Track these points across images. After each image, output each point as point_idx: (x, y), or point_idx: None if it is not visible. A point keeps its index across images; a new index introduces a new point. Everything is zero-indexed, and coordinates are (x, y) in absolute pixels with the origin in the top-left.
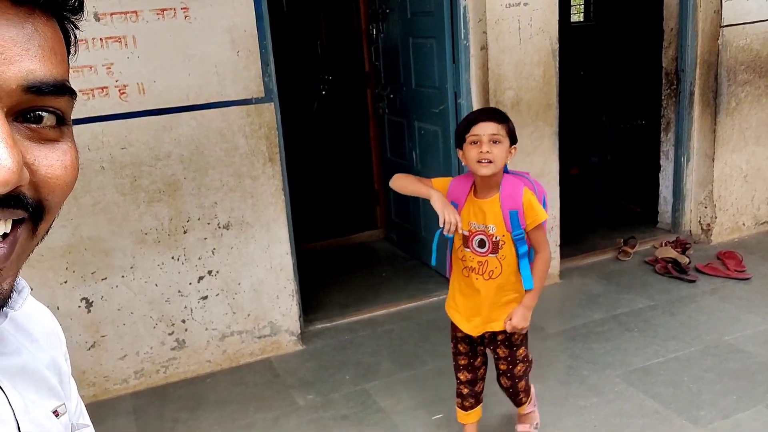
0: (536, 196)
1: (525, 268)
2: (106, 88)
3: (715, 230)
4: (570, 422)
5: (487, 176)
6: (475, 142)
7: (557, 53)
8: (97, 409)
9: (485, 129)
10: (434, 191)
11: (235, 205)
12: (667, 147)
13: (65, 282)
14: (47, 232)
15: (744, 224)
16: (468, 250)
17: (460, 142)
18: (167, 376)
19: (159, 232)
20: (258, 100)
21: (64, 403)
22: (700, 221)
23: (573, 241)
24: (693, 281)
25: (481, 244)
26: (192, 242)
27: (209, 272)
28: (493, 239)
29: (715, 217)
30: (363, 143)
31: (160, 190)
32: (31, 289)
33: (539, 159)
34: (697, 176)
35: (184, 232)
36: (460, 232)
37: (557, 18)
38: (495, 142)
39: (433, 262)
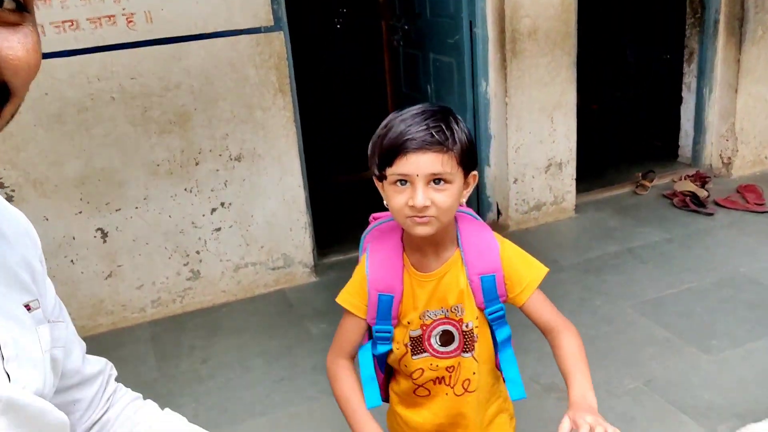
0: None
1: (509, 363)
2: (113, 16)
3: (736, 163)
4: None
5: (427, 236)
6: (402, 183)
7: None
8: (116, 336)
9: (421, 165)
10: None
11: (247, 136)
12: (689, 78)
13: (80, 212)
14: (13, 116)
15: (766, 157)
16: (423, 355)
17: (376, 172)
18: (183, 305)
19: (171, 163)
20: (267, 29)
21: (37, 299)
22: (721, 154)
23: (589, 175)
24: (711, 214)
25: (447, 339)
26: (204, 174)
27: (222, 204)
28: (464, 327)
29: (737, 150)
30: (378, 77)
31: (171, 121)
32: (7, 198)
33: (556, 90)
34: (720, 108)
35: (196, 164)
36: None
37: None
38: (439, 182)
39: (369, 405)
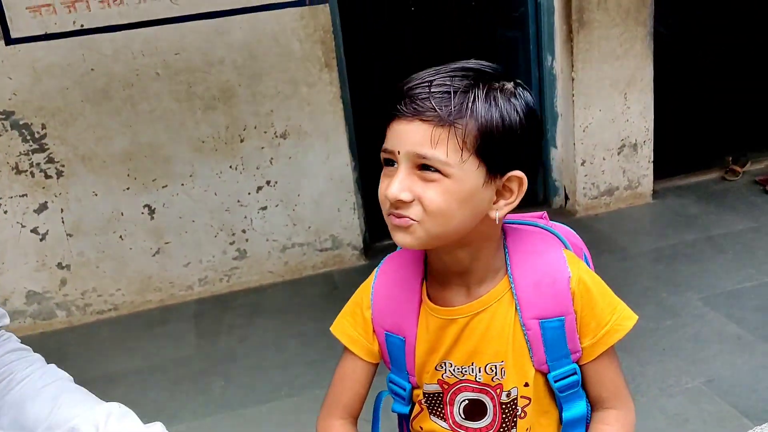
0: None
1: None
2: None
3: None
4: (634, 344)
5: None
6: (388, 162)
7: None
8: (162, 314)
9: (404, 138)
10: None
11: (292, 113)
12: None
13: (128, 188)
14: None
15: None
16: (441, 423)
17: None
18: (230, 284)
19: (216, 140)
20: (313, 2)
21: None
22: None
23: (672, 159)
24: None
25: (475, 410)
26: (249, 151)
27: (267, 182)
28: (502, 398)
29: None
30: (444, 55)
31: (215, 97)
32: None
33: (629, 64)
34: None
35: (241, 141)
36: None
37: None
38: (428, 170)
39: None
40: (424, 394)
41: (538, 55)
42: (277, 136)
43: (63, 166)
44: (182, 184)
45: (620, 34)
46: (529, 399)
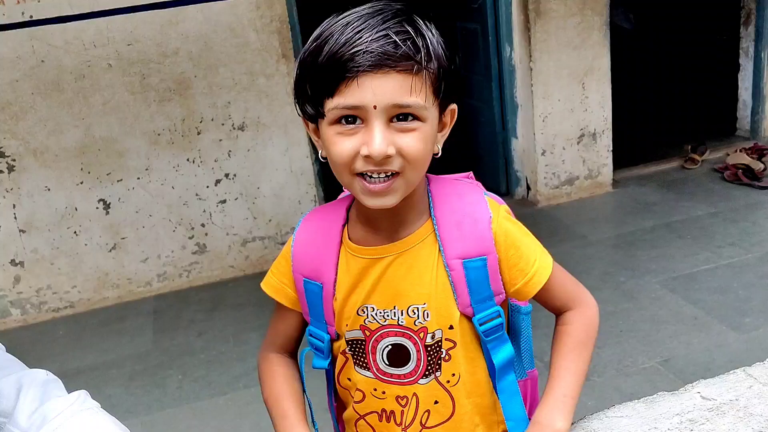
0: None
1: (510, 398)
2: None
3: None
4: None
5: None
6: (348, 121)
7: None
8: (119, 311)
9: (380, 92)
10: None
11: (250, 105)
12: (746, 43)
13: (81, 183)
14: None
15: None
16: (367, 373)
17: (307, 108)
18: (190, 280)
19: (172, 132)
20: None
21: None
22: None
23: (633, 149)
24: (765, 188)
25: (399, 355)
26: (207, 144)
27: (226, 175)
28: (427, 340)
29: None
30: None
31: (170, 89)
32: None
33: (587, 53)
34: None
35: (198, 133)
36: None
37: None
38: (407, 118)
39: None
40: (346, 342)
41: (497, 46)
42: (235, 128)
43: (14, 160)
44: (138, 178)
45: (577, 24)
46: (454, 342)
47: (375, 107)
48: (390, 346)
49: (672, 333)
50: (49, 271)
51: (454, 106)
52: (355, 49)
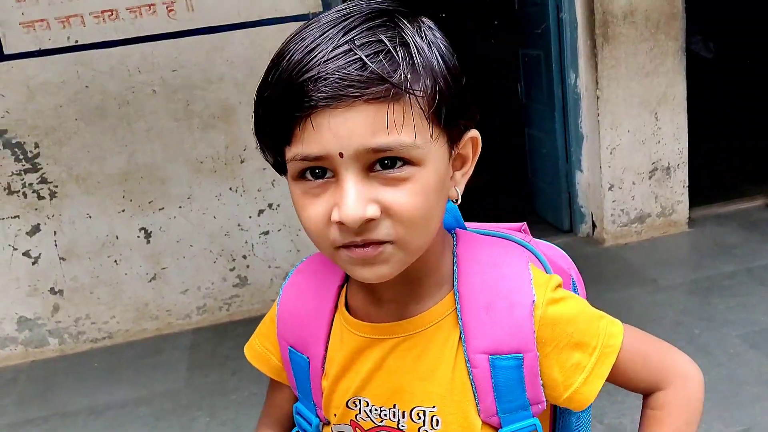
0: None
1: None
2: (153, 5)
3: None
4: None
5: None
6: (315, 175)
7: None
8: (156, 343)
9: (344, 133)
10: None
11: None
12: None
13: (123, 210)
14: None
15: None
16: None
17: (268, 158)
18: (230, 313)
19: (215, 160)
20: (316, 15)
21: None
22: None
23: (712, 185)
24: None
25: None
26: (250, 173)
27: (269, 206)
28: None
29: None
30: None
31: (214, 116)
32: None
33: (660, 81)
34: None
35: (241, 162)
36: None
37: None
38: (393, 164)
39: None
40: None
41: (561, 73)
42: None
43: (56, 186)
44: (180, 207)
45: (650, 49)
46: None
47: (341, 155)
48: None
49: (754, 397)
50: (89, 300)
51: (474, 134)
52: (305, 76)
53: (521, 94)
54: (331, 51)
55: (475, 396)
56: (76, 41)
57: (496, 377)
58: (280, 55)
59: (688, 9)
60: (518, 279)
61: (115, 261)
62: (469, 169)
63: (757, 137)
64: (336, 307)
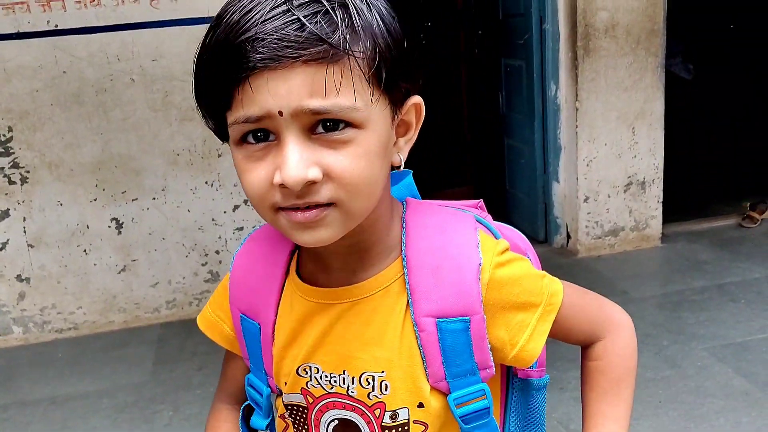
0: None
1: None
2: None
3: None
4: None
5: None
6: (258, 138)
7: None
8: (123, 336)
9: (284, 93)
10: None
11: None
12: None
13: (95, 200)
14: None
15: None
16: None
17: (210, 124)
18: (200, 309)
19: (192, 153)
20: None
21: None
22: None
23: (686, 201)
24: None
25: None
26: (227, 167)
27: (245, 201)
28: (384, 420)
29: None
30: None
31: (193, 108)
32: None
33: (639, 96)
34: None
35: (219, 156)
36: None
37: None
38: (334, 126)
39: None
40: (285, 406)
41: (542, 84)
42: None
43: (28, 172)
44: (153, 199)
45: (629, 64)
46: (426, 425)
47: (280, 113)
48: (336, 421)
49: (719, 408)
50: (55, 289)
51: (417, 99)
52: (243, 37)
53: (502, 103)
54: (268, 12)
55: (423, 360)
56: (56, 26)
57: (443, 341)
58: (219, 17)
59: (669, 29)
60: (465, 243)
61: (85, 251)
62: (413, 135)
63: (732, 157)
64: (287, 273)
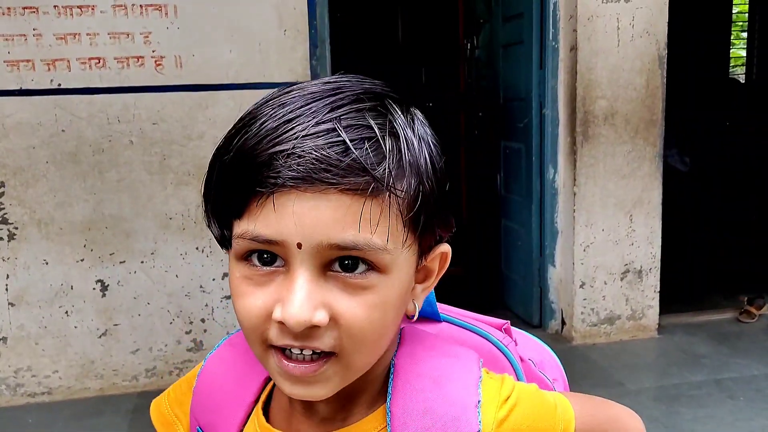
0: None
1: None
2: (142, 57)
3: None
4: None
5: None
6: (263, 260)
7: (665, 60)
8: (98, 404)
9: (310, 222)
10: None
11: None
12: None
13: (82, 260)
14: None
15: None
16: None
17: (213, 227)
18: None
19: (185, 218)
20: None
21: None
22: None
23: (683, 293)
24: None
25: None
26: None
27: None
28: None
29: None
30: (453, 169)
31: (190, 173)
32: None
33: (637, 184)
34: None
35: None
36: None
37: (666, 19)
38: (354, 265)
39: None
40: None
41: (541, 168)
42: None
43: (16, 228)
44: (142, 262)
45: (627, 152)
46: None
47: (299, 246)
48: None
49: None
50: (33, 351)
51: (446, 248)
52: (277, 148)
53: (500, 185)
54: (312, 126)
55: None
56: (59, 84)
57: None
58: (252, 117)
59: (667, 119)
60: (462, 402)
61: (67, 312)
62: (432, 283)
63: (730, 250)
64: (253, 406)
